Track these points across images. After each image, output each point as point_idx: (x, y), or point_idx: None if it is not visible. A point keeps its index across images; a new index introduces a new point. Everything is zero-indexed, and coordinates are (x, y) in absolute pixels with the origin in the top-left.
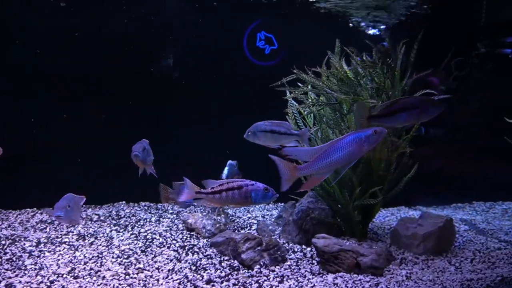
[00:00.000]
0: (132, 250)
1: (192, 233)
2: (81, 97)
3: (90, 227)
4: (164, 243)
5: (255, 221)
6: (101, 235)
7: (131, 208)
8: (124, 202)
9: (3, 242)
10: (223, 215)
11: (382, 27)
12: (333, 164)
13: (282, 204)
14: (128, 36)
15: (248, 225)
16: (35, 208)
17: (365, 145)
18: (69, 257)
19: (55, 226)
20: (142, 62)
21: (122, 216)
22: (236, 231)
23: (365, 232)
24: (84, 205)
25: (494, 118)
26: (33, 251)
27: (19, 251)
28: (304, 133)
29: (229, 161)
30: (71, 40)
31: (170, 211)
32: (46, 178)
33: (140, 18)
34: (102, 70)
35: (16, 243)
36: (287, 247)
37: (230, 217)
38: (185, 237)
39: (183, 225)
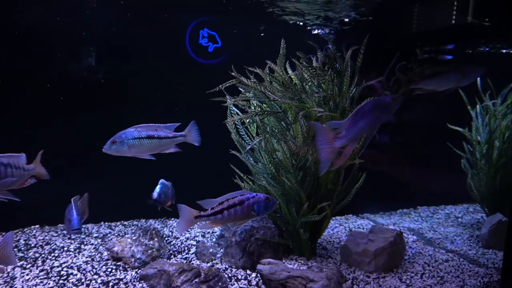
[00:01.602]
0: None
1: (119, 263)
2: None
3: None
4: (83, 280)
5: (194, 242)
6: None
7: (46, 233)
8: (37, 226)
9: None
10: (156, 239)
11: (325, 30)
12: (361, 131)
13: None
14: (37, 32)
15: (186, 248)
16: None
17: (385, 112)
18: None
19: None
20: (54, 61)
21: (32, 245)
22: (172, 256)
23: (314, 249)
24: None
25: (436, 124)
26: None
27: None
28: (191, 131)
29: (161, 180)
30: None
31: (95, 235)
32: None
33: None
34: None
35: None
36: (229, 274)
37: (166, 239)
38: (109, 270)
39: (108, 253)
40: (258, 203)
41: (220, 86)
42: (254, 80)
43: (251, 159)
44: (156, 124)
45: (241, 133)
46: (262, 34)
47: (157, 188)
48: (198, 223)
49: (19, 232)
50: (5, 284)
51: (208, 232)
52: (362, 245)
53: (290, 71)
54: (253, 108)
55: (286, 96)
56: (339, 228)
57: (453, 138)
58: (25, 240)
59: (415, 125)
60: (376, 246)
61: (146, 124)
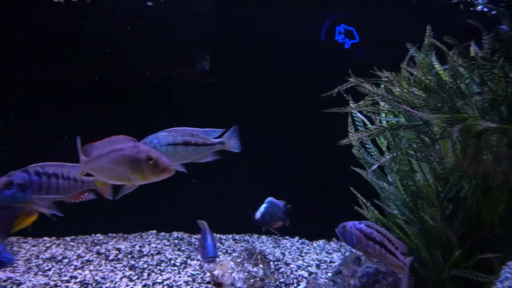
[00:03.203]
0: None
1: None
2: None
3: (101, 270)
4: None
5: (306, 273)
6: (108, 284)
7: (159, 241)
8: (154, 232)
9: None
10: (261, 265)
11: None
12: None
13: (345, 247)
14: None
15: (295, 280)
16: (54, 238)
17: None
18: None
19: (61, 267)
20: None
21: (144, 253)
22: None
23: None
24: (109, 234)
25: None
26: None
27: None
28: (231, 138)
29: (270, 198)
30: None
31: None
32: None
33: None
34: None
35: None
36: None
37: (276, 263)
38: None
39: (210, 275)
40: None
41: (335, 90)
42: (387, 76)
43: (380, 180)
44: (192, 128)
45: (366, 145)
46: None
47: (262, 208)
48: None
49: (137, 237)
50: None
51: (324, 262)
52: None
53: (438, 66)
54: (383, 115)
55: (430, 104)
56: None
57: None
58: (140, 247)
59: None
60: None
61: (180, 128)
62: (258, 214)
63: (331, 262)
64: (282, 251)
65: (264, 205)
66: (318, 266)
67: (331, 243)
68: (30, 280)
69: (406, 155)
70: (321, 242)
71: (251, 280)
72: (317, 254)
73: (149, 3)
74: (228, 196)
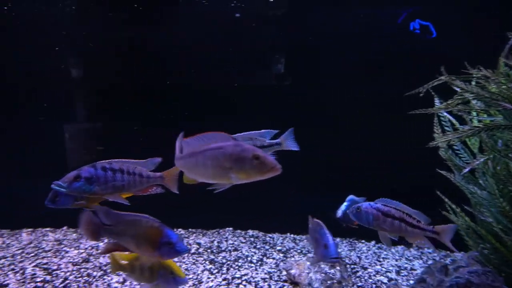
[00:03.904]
0: None
1: None
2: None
3: (184, 262)
4: None
5: (385, 279)
6: (191, 276)
7: (236, 238)
8: (231, 229)
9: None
10: (338, 267)
11: None
12: None
13: (427, 255)
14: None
15: (373, 286)
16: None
17: None
18: None
19: None
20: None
21: (222, 249)
22: None
23: None
24: (190, 229)
25: None
26: None
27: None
28: (287, 138)
29: (350, 196)
30: None
31: (278, 247)
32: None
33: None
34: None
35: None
36: None
37: (352, 266)
38: None
39: (286, 274)
40: None
41: (421, 88)
42: (482, 71)
43: (470, 184)
44: (249, 132)
45: (454, 147)
46: None
47: (343, 206)
48: None
49: (215, 233)
50: (193, 287)
51: (405, 269)
52: None
53: None
54: (474, 114)
55: None
56: None
57: None
58: (218, 242)
59: None
60: None
61: (241, 134)
62: (339, 212)
63: (412, 269)
64: (358, 255)
65: (345, 203)
66: (398, 273)
67: (411, 249)
68: None
69: (504, 158)
70: (399, 247)
71: (328, 282)
72: (396, 260)
73: (237, 15)
74: (301, 197)
